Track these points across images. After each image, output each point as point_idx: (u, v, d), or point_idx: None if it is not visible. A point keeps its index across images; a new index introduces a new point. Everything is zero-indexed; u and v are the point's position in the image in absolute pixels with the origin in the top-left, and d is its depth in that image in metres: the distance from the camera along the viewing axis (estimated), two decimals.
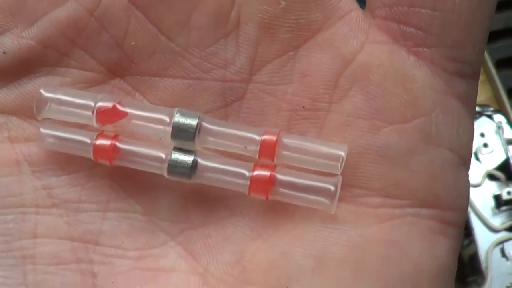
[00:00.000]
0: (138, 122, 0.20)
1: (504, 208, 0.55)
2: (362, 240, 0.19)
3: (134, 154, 0.20)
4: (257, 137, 0.19)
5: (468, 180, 0.20)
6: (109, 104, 0.20)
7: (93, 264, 0.20)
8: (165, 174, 0.20)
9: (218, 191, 0.20)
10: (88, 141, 0.20)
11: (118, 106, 0.20)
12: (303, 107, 0.20)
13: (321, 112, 0.19)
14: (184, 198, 0.20)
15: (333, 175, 0.19)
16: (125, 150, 0.20)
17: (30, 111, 0.20)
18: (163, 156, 0.20)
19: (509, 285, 0.52)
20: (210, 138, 0.20)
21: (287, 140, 0.19)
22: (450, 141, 0.19)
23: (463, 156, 0.20)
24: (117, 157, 0.20)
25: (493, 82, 0.58)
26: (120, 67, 0.20)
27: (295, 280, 0.19)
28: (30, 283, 0.19)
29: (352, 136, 0.19)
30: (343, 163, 0.19)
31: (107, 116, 0.20)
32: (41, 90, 0.20)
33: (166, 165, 0.19)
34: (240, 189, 0.19)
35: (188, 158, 0.19)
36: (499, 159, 0.56)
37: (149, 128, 0.20)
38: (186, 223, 0.20)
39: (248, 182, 0.19)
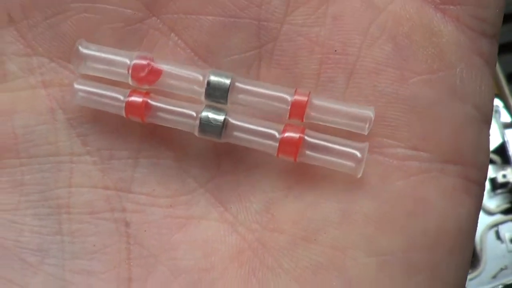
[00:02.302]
0: (173, 81, 0.20)
1: (499, 191, 0.56)
2: (388, 196, 0.19)
3: (165, 111, 0.20)
4: (289, 97, 0.19)
5: (489, 138, 0.21)
6: (144, 62, 0.20)
7: (125, 213, 0.20)
8: (196, 133, 0.20)
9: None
10: (121, 97, 0.20)
11: (153, 64, 0.20)
12: (335, 50, 0.20)
13: (351, 57, 0.20)
14: (215, 146, 0.20)
15: (361, 137, 0.19)
16: (157, 108, 0.20)
17: (65, 53, 0.20)
18: (194, 114, 0.20)
19: (503, 267, 0.53)
20: (242, 97, 0.20)
21: (317, 102, 0.19)
22: (474, 97, 0.20)
23: (485, 113, 0.20)
24: (148, 114, 0.20)
25: None
26: (158, 4, 0.20)
27: (322, 233, 0.19)
28: (66, 232, 0.20)
29: (381, 84, 0.19)
30: (371, 125, 0.19)
31: (142, 74, 0.20)
32: (79, 46, 0.20)
33: (197, 123, 0.20)
34: (269, 151, 0.19)
35: (219, 117, 0.19)
36: (495, 142, 0.57)
37: (183, 86, 0.20)
38: (216, 171, 0.20)
39: (277, 144, 0.19)
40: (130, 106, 0.20)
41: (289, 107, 0.19)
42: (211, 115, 0.19)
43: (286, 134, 0.19)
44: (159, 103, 0.20)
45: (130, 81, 0.20)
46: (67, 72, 0.20)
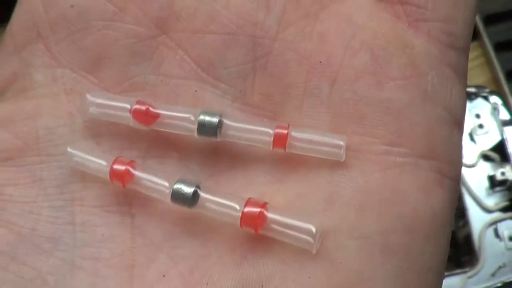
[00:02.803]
0: (168, 121, 0.22)
1: (498, 188, 0.56)
2: (367, 186, 0.20)
3: (143, 179, 0.22)
4: (271, 131, 0.21)
5: (461, 140, 0.22)
6: (143, 107, 0.22)
7: (131, 207, 0.22)
8: (168, 201, 0.21)
9: (243, 143, 0.22)
10: (106, 164, 0.22)
11: (151, 109, 0.22)
12: (320, 61, 0.22)
13: (334, 67, 0.22)
14: (215, 146, 0.22)
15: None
16: (137, 176, 0.22)
17: (85, 65, 0.23)
18: (167, 184, 0.21)
19: (502, 265, 0.53)
20: (230, 132, 0.22)
21: (295, 133, 0.21)
22: (444, 101, 0.21)
23: (456, 116, 0.22)
24: (129, 181, 0.21)
25: (492, 65, 0.59)
26: (167, 24, 0.22)
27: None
28: (77, 223, 0.21)
29: (360, 89, 0.21)
30: (344, 151, 0.21)
31: (142, 117, 0.22)
32: (87, 95, 0.22)
33: (170, 194, 0.21)
34: (233, 221, 0.21)
35: (189, 190, 0.21)
36: (494, 140, 0.57)
37: (178, 126, 0.22)
38: (215, 169, 0.22)
39: (240, 215, 0.21)
40: (113, 172, 0.22)
41: (271, 139, 0.21)
42: (182, 186, 0.21)
43: (247, 209, 0.20)
44: (138, 173, 0.22)
45: (131, 123, 0.22)
46: (86, 82, 0.23)
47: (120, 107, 0.22)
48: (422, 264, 0.20)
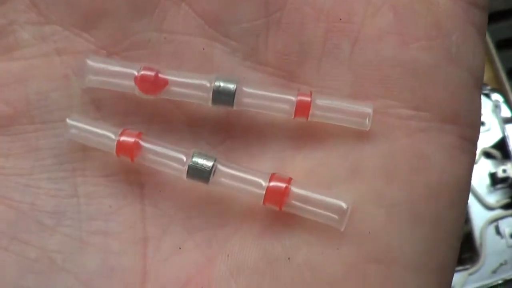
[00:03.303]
0: (179, 89, 0.20)
1: (499, 186, 0.56)
2: (393, 152, 0.20)
3: (155, 153, 0.20)
4: (293, 98, 0.20)
5: (480, 101, 0.22)
6: (151, 73, 0.20)
7: (140, 175, 0.20)
8: (184, 176, 0.20)
9: (256, 112, 0.21)
10: (113, 136, 0.20)
11: (160, 75, 0.20)
12: (340, 19, 0.20)
13: (355, 25, 0.20)
14: (226, 112, 0.21)
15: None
16: (147, 149, 0.20)
17: (78, 22, 0.20)
18: (184, 158, 0.20)
19: (503, 262, 0.53)
20: (248, 100, 0.20)
21: (319, 101, 0.20)
22: (468, 63, 0.21)
23: (477, 78, 0.21)
24: (138, 155, 0.20)
25: (494, 63, 0.59)
26: None
27: (333, 188, 0.20)
28: (81, 195, 0.20)
29: (384, 49, 0.20)
30: (371, 121, 0.20)
31: (149, 85, 0.20)
32: (87, 60, 0.20)
33: (186, 168, 0.20)
34: (255, 198, 0.19)
35: (208, 163, 0.20)
36: (496, 137, 0.57)
37: (190, 94, 0.20)
38: (227, 134, 0.21)
39: (264, 192, 0.19)
40: (121, 145, 0.20)
41: (294, 108, 0.20)
42: (200, 160, 0.20)
43: (272, 184, 0.19)
44: (149, 145, 0.20)
45: (136, 92, 0.20)
46: (81, 40, 0.20)
47: (124, 73, 0.20)
48: (447, 230, 0.20)
